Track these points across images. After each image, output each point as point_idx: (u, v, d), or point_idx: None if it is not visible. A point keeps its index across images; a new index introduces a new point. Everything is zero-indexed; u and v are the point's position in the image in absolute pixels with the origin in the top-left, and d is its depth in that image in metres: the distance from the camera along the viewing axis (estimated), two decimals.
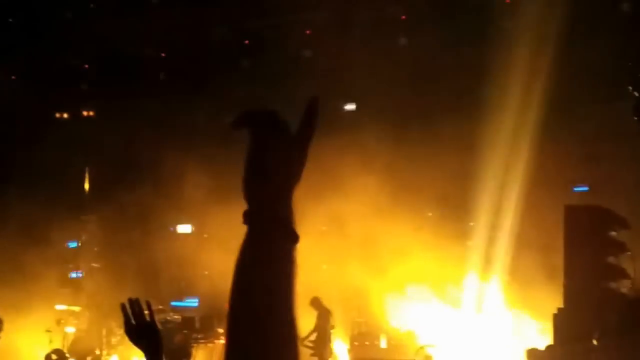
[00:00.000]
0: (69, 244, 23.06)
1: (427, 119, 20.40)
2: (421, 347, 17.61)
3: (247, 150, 1.96)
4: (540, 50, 18.80)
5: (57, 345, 20.00)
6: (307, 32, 21.81)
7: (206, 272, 21.43)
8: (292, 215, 1.95)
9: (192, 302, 21.29)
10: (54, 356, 19.29)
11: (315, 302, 18.93)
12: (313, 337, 18.17)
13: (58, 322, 20.86)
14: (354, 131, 20.84)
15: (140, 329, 4.29)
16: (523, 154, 19.11)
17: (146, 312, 4.29)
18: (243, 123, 1.95)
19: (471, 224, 19.68)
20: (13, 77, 23.15)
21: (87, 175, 23.01)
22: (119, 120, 21.93)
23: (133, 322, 4.29)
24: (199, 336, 19.88)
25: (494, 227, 19.06)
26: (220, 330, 20.43)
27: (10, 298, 18.96)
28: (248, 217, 1.96)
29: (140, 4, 21.91)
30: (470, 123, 19.63)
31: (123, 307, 4.29)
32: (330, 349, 18.71)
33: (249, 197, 1.96)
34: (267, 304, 1.86)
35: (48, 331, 19.80)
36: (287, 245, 1.93)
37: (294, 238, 1.93)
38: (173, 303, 21.99)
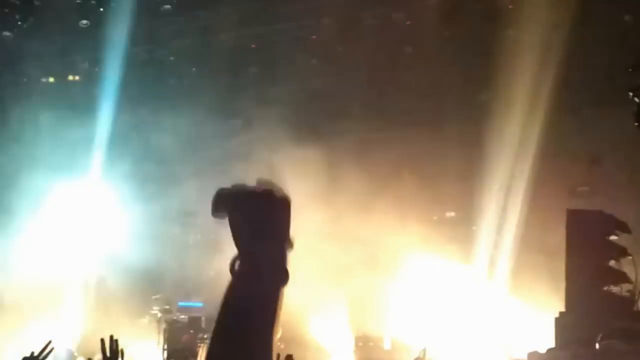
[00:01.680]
0: None
1: (430, 122, 20.27)
2: (424, 349, 17.47)
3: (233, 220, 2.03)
4: (544, 55, 18.66)
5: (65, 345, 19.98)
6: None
7: (212, 274, 21.33)
8: (285, 258, 1.96)
9: (198, 303, 21.14)
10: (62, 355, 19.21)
11: None
12: None
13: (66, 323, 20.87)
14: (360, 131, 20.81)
15: None
16: (526, 158, 18.96)
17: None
18: (222, 210, 2.06)
19: (474, 227, 19.55)
20: None
21: None
22: None
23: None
24: (205, 336, 19.74)
25: (497, 231, 18.92)
26: None
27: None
28: (242, 257, 2.00)
29: None
30: (473, 126, 19.52)
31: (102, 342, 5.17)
32: None
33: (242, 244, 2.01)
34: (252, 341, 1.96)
35: None
36: (278, 286, 1.94)
37: (285, 279, 1.94)
38: (180, 303, 21.87)
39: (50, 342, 4.80)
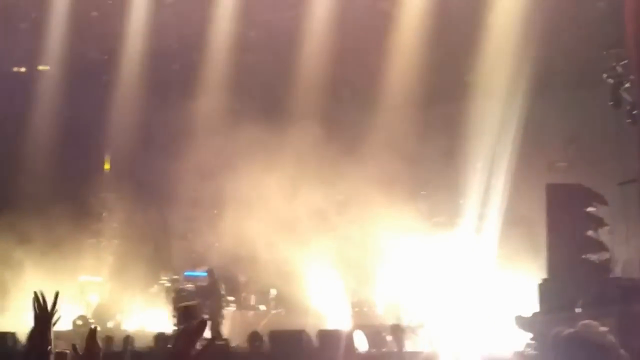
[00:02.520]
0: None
1: (419, 103, 20.35)
2: (414, 314, 17.64)
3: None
4: (523, 38, 18.75)
5: (81, 312, 20.10)
6: None
7: (216, 244, 21.44)
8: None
9: (203, 272, 21.21)
10: (78, 321, 19.31)
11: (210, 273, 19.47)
12: None
13: (82, 292, 20.98)
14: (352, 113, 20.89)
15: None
16: (509, 136, 19.09)
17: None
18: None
19: (460, 201, 19.68)
20: None
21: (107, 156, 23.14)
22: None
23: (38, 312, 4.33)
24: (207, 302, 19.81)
25: (482, 204, 19.06)
26: (231, 298, 20.45)
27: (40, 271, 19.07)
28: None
29: None
30: (457, 107, 19.64)
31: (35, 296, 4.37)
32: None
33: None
34: None
35: None
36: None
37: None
38: (186, 273, 21.96)
39: (58, 293, 4.43)
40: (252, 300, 21.05)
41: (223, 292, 19.79)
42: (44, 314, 4.24)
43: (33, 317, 4.28)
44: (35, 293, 4.33)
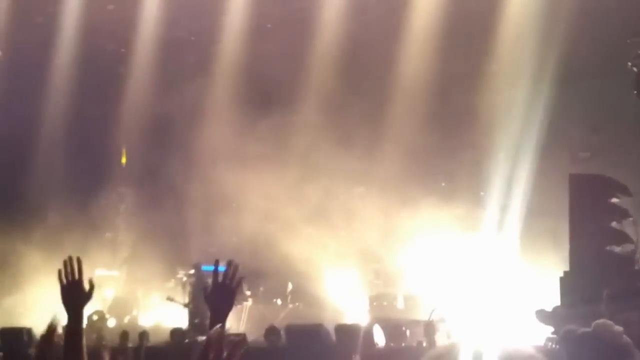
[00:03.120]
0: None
1: (440, 93, 20.11)
2: (435, 308, 17.38)
3: None
4: (548, 27, 18.48)
5: (97, 307, 19.96)
6: None
7: (233, 239, 21.30)
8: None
9: (221, 267, 21.01)
10: (94, 316, 19.18)
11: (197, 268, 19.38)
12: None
13: (98, 286, 20.80)
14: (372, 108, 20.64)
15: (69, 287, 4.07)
16: (531, 126, 18.79)
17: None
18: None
19: (482, 193, 19.42)
20: None
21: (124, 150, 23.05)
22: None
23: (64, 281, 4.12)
24: None
25: (504, 196, 18.78)
26: (248, 293, 20.29)
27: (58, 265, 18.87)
28: None
29: None
30: (480, 97, 19.38)
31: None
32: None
33: None
34: None
35: None
36: None
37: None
38: (204, 267, 21.82)
39: (80, 259, 4.12)
40: (269, 294, 20.90)
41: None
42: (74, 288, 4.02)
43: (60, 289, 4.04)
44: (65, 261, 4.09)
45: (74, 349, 3.97)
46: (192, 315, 18.87)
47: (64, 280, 4.03)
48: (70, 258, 4.03)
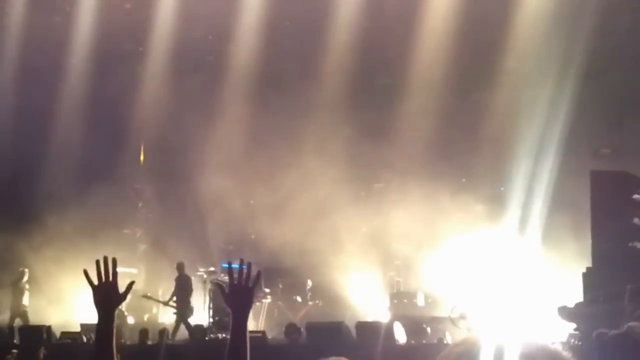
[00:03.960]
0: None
1: (461, 90, 20.04)
2: (456, 305, 17.31)
3: None
4: (571, 24, 18.37)
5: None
6: None
7: (252, 237, 21.31)
8: None
9: (234, 265, 21.00)
10: None
11: (180, 266, 19.21)
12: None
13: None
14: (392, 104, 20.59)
15: (103, 288, 4.05)
16: (552, 121, 18.66)
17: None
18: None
19: (502, 188, 19.32)
20: None
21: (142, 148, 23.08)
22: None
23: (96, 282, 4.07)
24: None
25: (525, 191, 18.65)
26: (267, 290, 20.27)
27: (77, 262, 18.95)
28: None
29: None
30: (502, 94, 19.30)
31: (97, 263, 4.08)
32: (191, 308, 18.93)
33: None
34: None
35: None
36: None
37: None
38: (223, 265, 21.83)
39: (115, 260, 4.08)
40: (289, 291, 20.87)
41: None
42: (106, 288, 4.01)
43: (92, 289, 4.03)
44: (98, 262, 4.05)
45: (105, 348, 3.99)
46: (213, 312, 18.89)
47: (96, 281, 4.02)
48: (105, 258, 4.01)
